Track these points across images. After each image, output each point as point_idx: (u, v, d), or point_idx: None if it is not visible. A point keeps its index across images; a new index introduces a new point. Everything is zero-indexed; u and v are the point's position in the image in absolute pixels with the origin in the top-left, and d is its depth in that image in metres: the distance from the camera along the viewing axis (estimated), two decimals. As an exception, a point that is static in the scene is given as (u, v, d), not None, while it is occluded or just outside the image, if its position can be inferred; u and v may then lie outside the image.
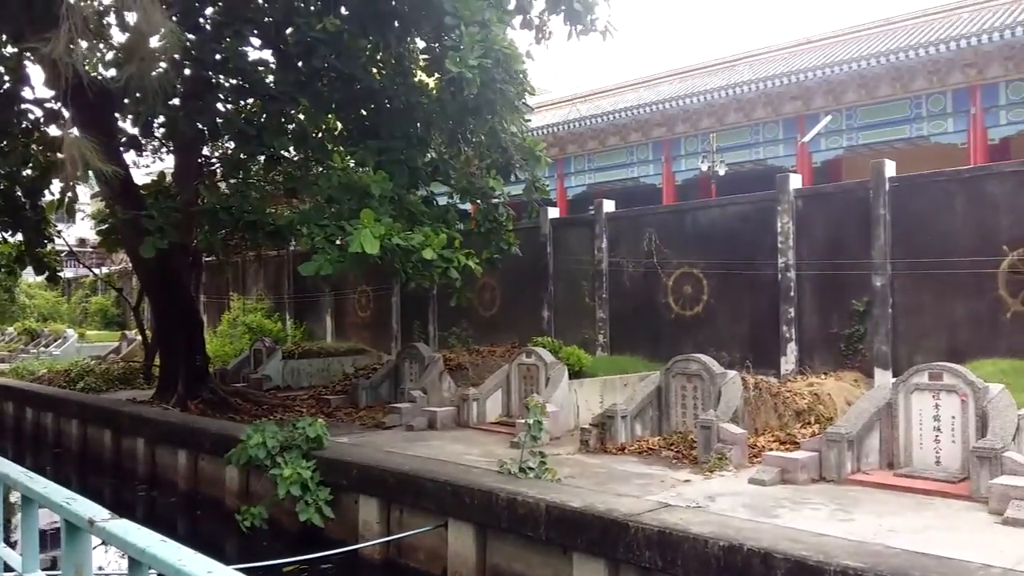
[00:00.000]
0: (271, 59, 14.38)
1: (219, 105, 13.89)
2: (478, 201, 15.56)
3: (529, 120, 15.51)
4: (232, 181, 15.40)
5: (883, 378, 11.88)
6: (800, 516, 7.07)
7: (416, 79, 14.91)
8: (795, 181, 14.53)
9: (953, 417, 8.40)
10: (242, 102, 14.63)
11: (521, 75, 13.14)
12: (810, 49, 23.92)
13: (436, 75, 13.65)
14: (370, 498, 9.12)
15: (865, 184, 13.33)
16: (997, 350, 11.07)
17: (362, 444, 10.89)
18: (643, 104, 24.71)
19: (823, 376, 12.01)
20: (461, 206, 16.72)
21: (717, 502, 7.60)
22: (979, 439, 7.94)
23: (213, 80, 13.52)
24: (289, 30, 13.16)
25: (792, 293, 13.86)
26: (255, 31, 13.44)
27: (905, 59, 19.85)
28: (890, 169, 13.15)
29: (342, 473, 9.44)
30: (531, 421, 8.74)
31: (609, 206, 17.17)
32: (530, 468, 8.47)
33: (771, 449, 9.30)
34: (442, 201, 15.46)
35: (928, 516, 7.12)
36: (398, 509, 8.92)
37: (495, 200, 15.31)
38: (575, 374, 12.74)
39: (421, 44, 14.26)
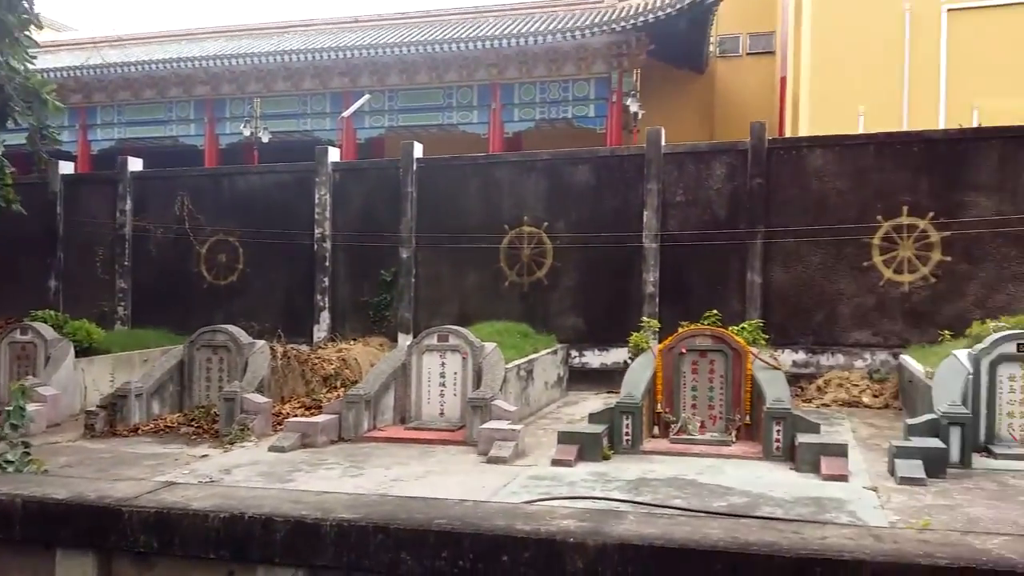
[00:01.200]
0: None
1: None
2: (-39, 148, 12.74)
3: (35, 58, 13.16)
4: None
5: (405, 342, 12.83)
6: (315, 477, 7.21)
7: None
8: (334, 155, 14.83)
9: (456, 373, 9.43)
10: None
11: (24, 3, 11.14)
12: (358, 28, 24.62)
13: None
14: None
15: (396, 163, 14.18)
16: (496, 314, 12.76)
17: None
18: (185, 59, 22.86)
19: (352, 342, 12.55)
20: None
21: (233, 474, 7.38)
22: (475, 391, 9.03)
23: None
24: None
25: (328, 263, 14.17)
26: None
27: (440, 51, 21.62)
28: (418, 151, 14.19)
29: None
30: (11, 407, 7.44)
31: (135, 164, 15.54)
32: (8, 462, 7.18)
33: (296, 415, 9.38)
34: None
35: (430, 462, 7.85)
36: None
37: (-16, 148, 12.69)
38: (84, 351, 11.30)
39: None
